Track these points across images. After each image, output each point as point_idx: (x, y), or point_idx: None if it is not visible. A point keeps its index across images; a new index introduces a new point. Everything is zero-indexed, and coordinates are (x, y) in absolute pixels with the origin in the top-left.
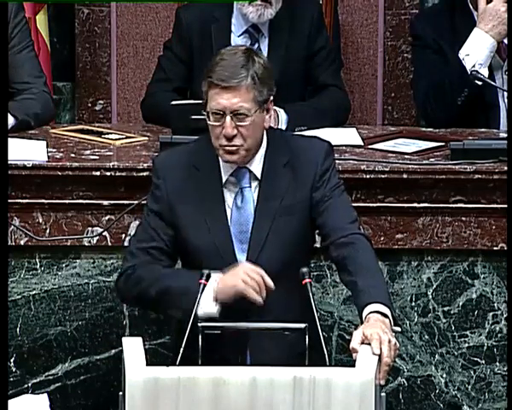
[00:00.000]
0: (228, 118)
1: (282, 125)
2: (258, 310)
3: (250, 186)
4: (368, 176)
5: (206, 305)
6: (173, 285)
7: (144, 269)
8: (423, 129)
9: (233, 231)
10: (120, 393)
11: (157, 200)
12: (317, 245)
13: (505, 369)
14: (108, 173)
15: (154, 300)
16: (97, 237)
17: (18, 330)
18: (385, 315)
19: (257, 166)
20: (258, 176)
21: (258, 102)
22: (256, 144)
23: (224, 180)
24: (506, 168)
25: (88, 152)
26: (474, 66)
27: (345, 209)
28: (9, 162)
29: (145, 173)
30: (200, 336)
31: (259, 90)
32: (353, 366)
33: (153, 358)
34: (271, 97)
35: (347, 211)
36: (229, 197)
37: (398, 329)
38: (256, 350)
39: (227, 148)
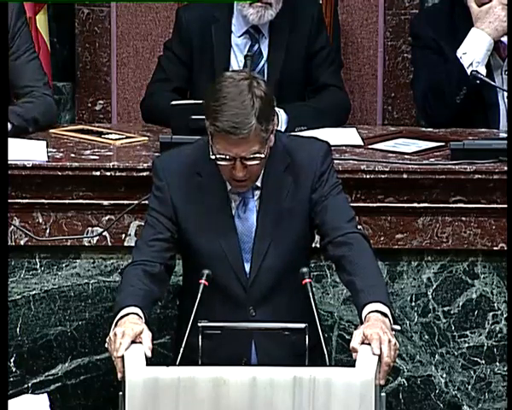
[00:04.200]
0: (238, 163)
1: (282, 126)
2: (261, 311)
3: (253, 196)
4: (368, 176)
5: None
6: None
7: (127, 276)
8: (423, 129)
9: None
10: (120, 393)
11: (160, 201)
12: (317, 245)
13: (505, 369)
14: (108, 173)
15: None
16: (97, 237)
17: (18, 330)
18: (384, 314)
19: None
20: (259, 184)
21: (265, 138)
22: (263, 168)
23: (228, 188)
24: (506, 168)
25: (88, 152)
26: (471, 64)
27: (342, 208)
28: (9, 162)
29: (145, 173)
30: (200, 336)
31: (265, 127)
32: (353, 366)
33: (153, 358)
34: (275, 118)
35: (345, 210)
36: (232, 207)
37: (398, 327)
38: (259, 351)
39: (236, 183)
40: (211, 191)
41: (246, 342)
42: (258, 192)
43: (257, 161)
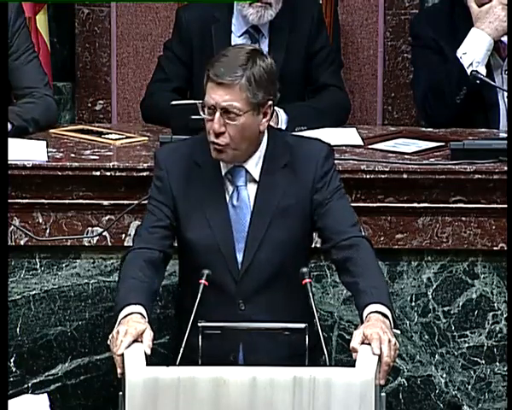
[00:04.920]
0: (217, 114)
1: (282, 126)
2: (251, 305)
3: (246, 185)
4: (368, 176)
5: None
6: (116, 298)
7: (128, 264)
8: (423, 129)
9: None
10: (120, 393)
11: (160, 190)
12: (317, 245)
13: (505, 369)
14: (108, 173)
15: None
16: (97, 237)
17: (18, 330)
18: (385, 315)
19: (255, 166)
20: (256, 177)
21: (252, 104)
22: (247, 145)
23: (223, 172)
24: (506, 168)
25: (88, 152)
26: (471, 64)
27: (345, 212)
28: (9, 162)
29: (145, 173)
30: (200, 336)
31: (254, 92)
32: (353, 366)
33: (153, 358)
34: (270, 102)
35: (348, 214)
36: (226, 195)
37: (398, 332)
38: (256, 350)
39: (215, 145)
40: (207, 180)
41: (234, 339)
42: (254, 184)
43: (235, 121)
